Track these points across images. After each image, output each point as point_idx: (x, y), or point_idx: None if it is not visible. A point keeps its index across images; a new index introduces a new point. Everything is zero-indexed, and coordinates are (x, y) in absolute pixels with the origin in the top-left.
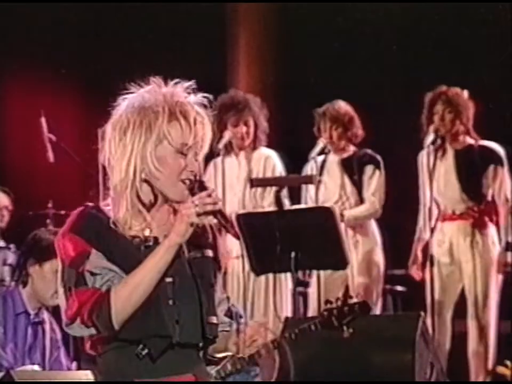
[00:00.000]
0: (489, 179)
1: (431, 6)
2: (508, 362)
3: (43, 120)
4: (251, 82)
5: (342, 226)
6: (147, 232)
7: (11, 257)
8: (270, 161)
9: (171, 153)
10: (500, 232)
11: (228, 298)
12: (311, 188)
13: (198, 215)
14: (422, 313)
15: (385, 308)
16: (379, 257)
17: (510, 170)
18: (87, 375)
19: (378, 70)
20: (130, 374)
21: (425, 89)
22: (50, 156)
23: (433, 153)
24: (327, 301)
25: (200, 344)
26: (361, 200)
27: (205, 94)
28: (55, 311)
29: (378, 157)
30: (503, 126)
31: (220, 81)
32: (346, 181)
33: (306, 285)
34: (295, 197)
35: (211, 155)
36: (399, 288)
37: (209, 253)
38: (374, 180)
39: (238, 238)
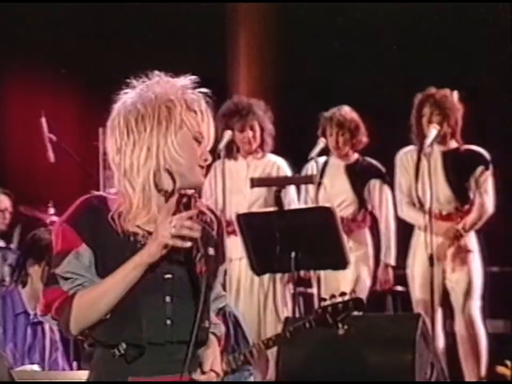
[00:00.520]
0: (476, 181)
1: (431, 6)
2: (508, 362)
3: (43, 120)
4: (251, 82)
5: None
6: (152, 227)
7: (11, 257)
8: (281, 170)
9: (189, 139)
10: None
11: (225, 296)
12: (311, 189)
13: (173, 236)
14: (422, 313)
15: (385, 308)
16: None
17: (510, 172)
18: (87, 375)
19: (378, 70)
20: (115, 371)
21: (425, 90)
22: (51, 155)
23: (417, 153)
24: (321, 299)
25: (191, 344)
26: (359, 209)
27: (206, 90)
28: None
29: (383, 169)
30: (503, 126)
31: (220, 81)
32: (351, 187)
33: (308, 284)
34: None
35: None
36: (399, 288)
37: (213, 251)
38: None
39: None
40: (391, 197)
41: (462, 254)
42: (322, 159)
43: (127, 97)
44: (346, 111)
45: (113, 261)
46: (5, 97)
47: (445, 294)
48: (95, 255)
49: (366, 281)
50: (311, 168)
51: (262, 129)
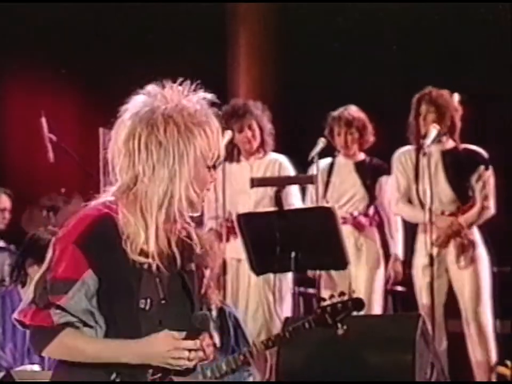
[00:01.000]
0: (476, 180)
1: (431, 6)
2: (508, 362)
3: (43, 120)
4: (251, 82)
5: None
6: (157, 256)
7: (11, 257)
8: (283, 166)
9: (203, 167)
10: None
11: (220, 300)
12: (320, 188)
13: (168, 364)
14: (422, 313)
15: (385, 308)
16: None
17: (510, 171)
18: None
19: (378, 70)
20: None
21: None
22: (51, 156)
23: (415, 153)
24: (321, 299)
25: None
26: (370, 205)
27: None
28: None
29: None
30: (503, 126)
31: (220, 82)
32: (361, 183)
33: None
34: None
35: None
36: (399, 288)
37: (194, 266)
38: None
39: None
40: None
41: (467, 252)
42: (327, 160)
43: (142, 114)
44: (354, 110)
45: (117, 291)
46: (5, 97)
47: (450, 295)
48: (100, 282)
49: (381, 281)
50: (316, 168)
51: (261, 128)
